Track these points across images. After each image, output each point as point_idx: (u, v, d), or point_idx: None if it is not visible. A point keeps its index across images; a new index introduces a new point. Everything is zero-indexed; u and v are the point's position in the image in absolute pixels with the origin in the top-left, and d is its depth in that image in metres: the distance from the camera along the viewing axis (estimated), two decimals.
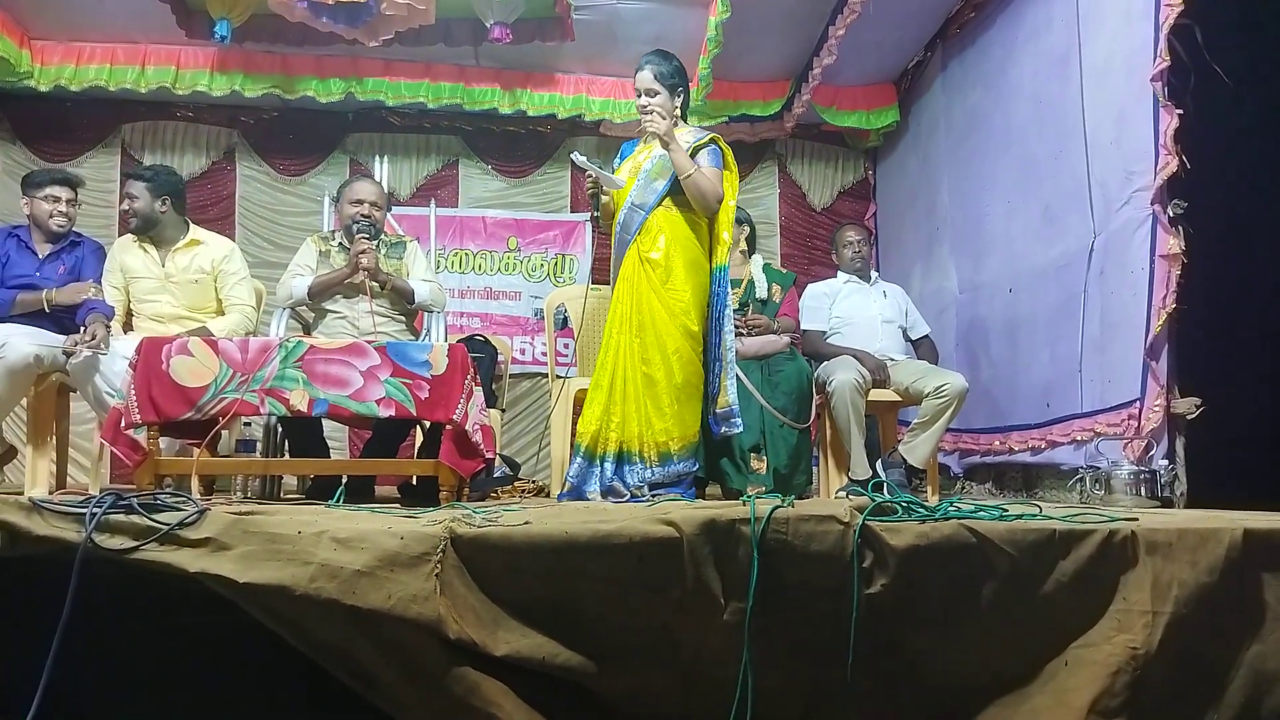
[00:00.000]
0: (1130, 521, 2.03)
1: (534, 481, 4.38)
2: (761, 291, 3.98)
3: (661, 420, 3.06)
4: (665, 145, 3.12)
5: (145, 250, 3.61)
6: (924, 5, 4.96)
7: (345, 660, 1.75)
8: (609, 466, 3.07)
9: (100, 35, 5.20)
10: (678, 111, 3.23)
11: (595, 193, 3.25)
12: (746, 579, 1.85)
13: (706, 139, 3.23)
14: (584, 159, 3.19)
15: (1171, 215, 3.19)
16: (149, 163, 5.77)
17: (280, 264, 4.10)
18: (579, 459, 3.12)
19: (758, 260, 4.14)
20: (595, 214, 3.35)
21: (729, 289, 3.27)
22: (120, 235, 3.93)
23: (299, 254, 3.62)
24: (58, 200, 3.49)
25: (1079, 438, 3.68)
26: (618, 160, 3.38)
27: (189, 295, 3.61)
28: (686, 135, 3.23)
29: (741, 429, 3.25)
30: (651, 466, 3.04)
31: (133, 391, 2.64)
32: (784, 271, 4.37)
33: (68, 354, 3.10)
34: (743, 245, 4.06)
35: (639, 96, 3.20)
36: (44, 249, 3.51)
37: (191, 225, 3.72)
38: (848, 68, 5.26)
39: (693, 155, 3.16)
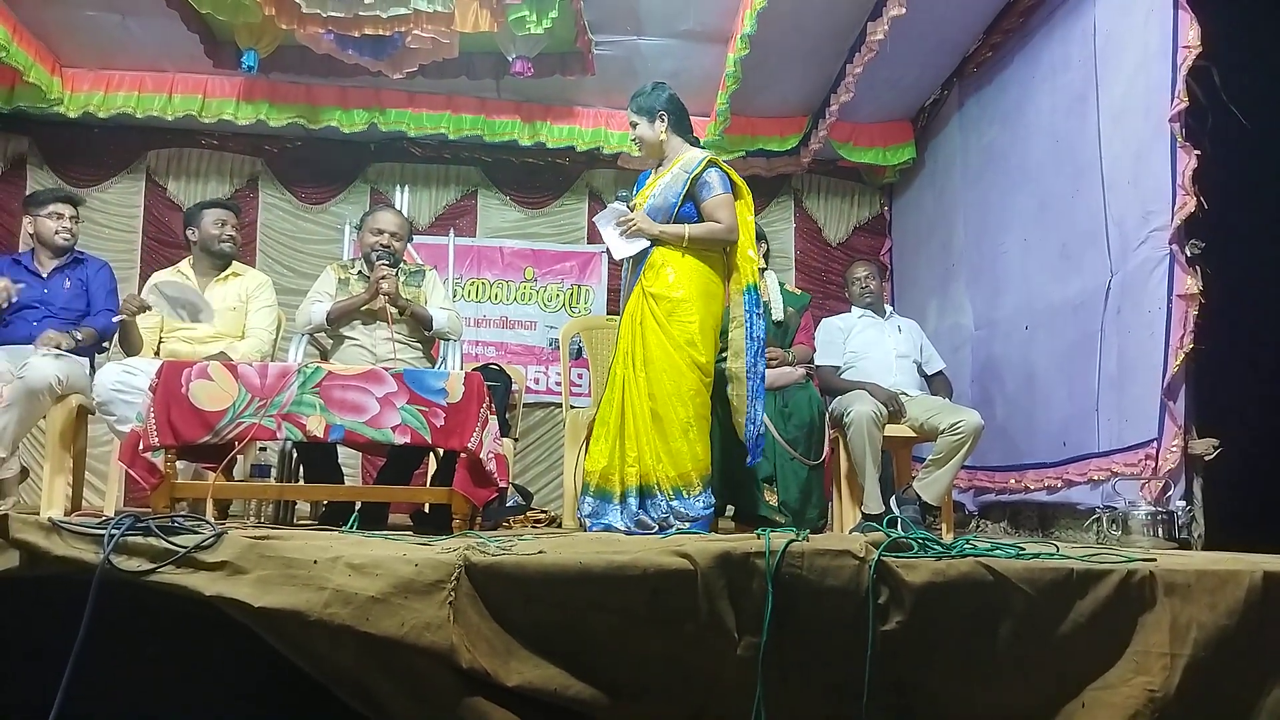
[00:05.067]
0: (1148, 562, 2.01)
1: (546, 511, 4.37)
2: (778, 313, 3.91)
3: (670, 456, 3.02)
4: (652, 238, 3.15)
5: (186, 278, 3.67)
6: (941, 44, 5.00)
7: (357, 687, 1.74)
8: (633, 501, 3.03)
9: (129, 63, 5.30)
10: (663, 135, 3.24)
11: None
12: (761, 613, 1.84)
13: (705, 163, 3.18)
14: (614, 213, 3.21)
15: (1189, 255, 3.18)
16: (172, 189, 5.89)
17: (300, 291, 4.14)
18: (589, 496, 3.09)
19: (772, 277, 4.04)
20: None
21: (759, 309, 3.18)
22: (177, 260, 4.01)
23: (319, 281, 3.67)
24: (61, 217, 3.62)
25: (1095, 477, 3.65)
26: (635, 189, 3.39)
27: (223, 321, 3.65)
28: (689, 158, 3.22)
29: (757, 460, 3.23)
30: (670, 500, 3.01)
31: (151, 414, 2.66)
32: (798, 292, 4.29)
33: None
34: (761, 262, 4.04)
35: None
36: (47, 266, 3.61)
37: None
38: (865, 105, 5.31)
39: (694, 180, 3.16)
